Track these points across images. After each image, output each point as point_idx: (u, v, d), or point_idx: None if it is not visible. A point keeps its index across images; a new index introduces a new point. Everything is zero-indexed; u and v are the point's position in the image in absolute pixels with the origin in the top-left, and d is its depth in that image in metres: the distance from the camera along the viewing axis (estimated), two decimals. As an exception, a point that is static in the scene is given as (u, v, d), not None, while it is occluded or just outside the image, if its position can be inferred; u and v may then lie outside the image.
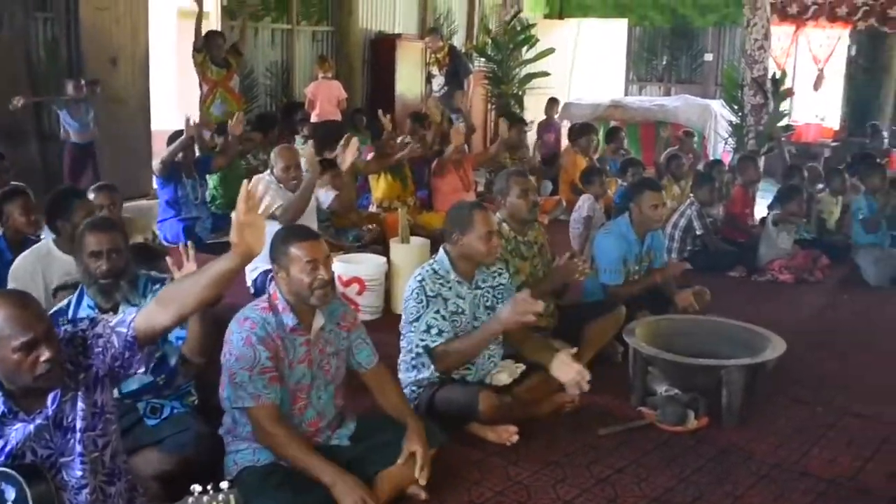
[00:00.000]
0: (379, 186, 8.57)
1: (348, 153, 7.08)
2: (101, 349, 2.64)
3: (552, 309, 5.15)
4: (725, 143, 12.17)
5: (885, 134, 12.29)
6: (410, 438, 3.53)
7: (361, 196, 8.80)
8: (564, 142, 11.88)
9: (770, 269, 7.71)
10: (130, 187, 8.81)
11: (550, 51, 13.82)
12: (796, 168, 9.22)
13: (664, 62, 16.00)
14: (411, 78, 13.17)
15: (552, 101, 13.08)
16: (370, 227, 7.65)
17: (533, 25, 14.08)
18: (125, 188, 7.53)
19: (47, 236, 4.72)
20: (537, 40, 13.77)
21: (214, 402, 3.53)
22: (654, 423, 4.42)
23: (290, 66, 12.19)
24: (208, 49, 9.57)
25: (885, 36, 13.51)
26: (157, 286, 3.63)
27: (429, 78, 12.92)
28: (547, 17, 16.09)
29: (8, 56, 8.63)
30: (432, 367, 4.11)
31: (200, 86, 9.71)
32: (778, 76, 11.55)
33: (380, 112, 8.85)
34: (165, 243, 7.38)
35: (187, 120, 7.60)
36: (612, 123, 12.63)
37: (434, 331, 4.06)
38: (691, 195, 8.11)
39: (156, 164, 7.91)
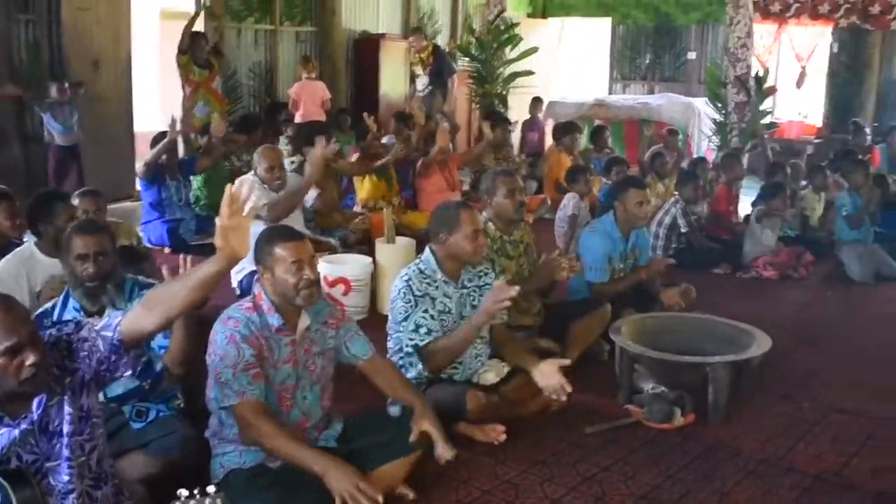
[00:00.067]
0: (364, 187, 8.56)
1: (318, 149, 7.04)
2: (86, 353, 2.63)
3: (538, 307, 5.16)
4: (709, 141, 12.21)
5: (868, 130, 12.34)
6: (420, 419, 3.53)
7: (346, 196, 8.79)
8: (549, 141, 11.87)
9: (754, 265, 7.74)
10: (114, 189, 8.78)
11: (534, 50, 13.84)
12: (779, 165, 9.25)
13: (647, 60, 16.05)
14: (395, 78, 13.16)
15: (536, 101, 13.09)
16: (360, 218, 7.60)
17: (516, 24, 14.07)
18: (108, 190, 7.51)
19: (30, 239, 4.70)
20: (521, 39, 13.78)
21: (201, 405, 3.52)
22: (641, 420, 4.43)
23: (274, 67, 12.15)
24: (192, 50, 9.54)
25: (866, 33, 13.59)
26: (144, 291, 3.61)
27: (413, 78, 12.91)
28: (530, 16, 16.08)
29: (-11, 58, 8.60)
30: (420, 366, 4.11)
31: (183, 87, 9.68)
32: (761, 74, 11.59)
33: (364, 114, 8.84)
34: (150, 245, 7.37)
35: (172, 121, 7.58)
36: (597, 122, 12.65)
37: (423, 330, 4.07)
38: (676, 193, 8.14)
39: (139, 166, 7.88)
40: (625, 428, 4.38)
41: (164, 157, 7.56)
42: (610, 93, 15.89)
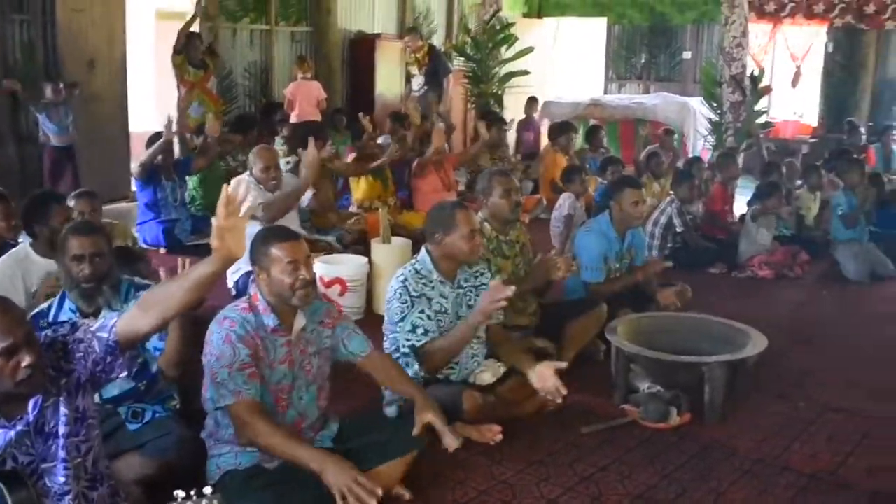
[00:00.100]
0: (359, 187, 8.56)
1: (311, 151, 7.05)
2: (82, 354, 2.62)
3: (534, 307, 5.16)
4: (704, 141, 12.23)
5: (863, 130, 12.37)
6: (422, 411, 3.55)
7: (342, 197, 8.78)
8: (544, 141, 11.88)
9: (750, 265, 7.75)
10: (109, 189, 8.76)
11: (529, 50, 13.83)
12: (775, 165, 9.26)
13: (643, 60, 16.05)
14: (391, 78, 13.15)
15: (531, 100, 13.09)
16: (355, 219, 7.58)
17: (512, 24, 14.07)
18: (104, 190, 7.49)
19: (25, 240, 4.69)
20: (516, 39, 13.77)
21: (197, 406, 3.52)
22: (637, 420, 4.43)
23: (269, 67, 12.13)
24: (187, 51, 9.53)
25: (861, 33, 13.60)
26: (141, 292, 3.61)
27: (408, 78, 12.91)
28: (526, 15, 16.07)
29: (-17, 59, 8.58)
30: (416, 366, 4.11)
31: (178, 87, 9.67)
32: (756, 73, 11.62)
33: (360, 115, 8.83)
34: (145, 246, 7.37)
35: (167, 122, 7.57)
36: (592, 122, 12.65)
37: (420, 330, 4.07)
38: (671, 192, 8.14)
39: (135, 166, 7.86)
40: (621, 428, 4.39)
41: (159, 157, 7.56)
42: (605, 92, 15.90)
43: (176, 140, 7.93)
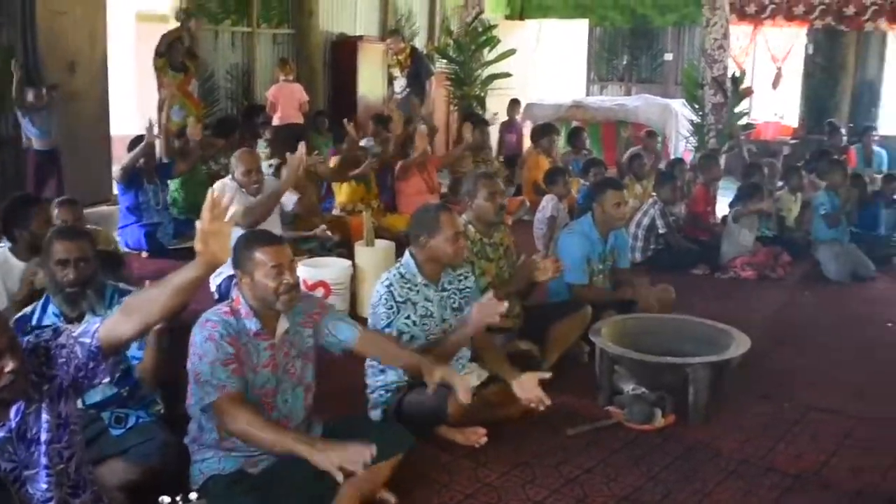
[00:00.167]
0: (342, 190, 8.55)
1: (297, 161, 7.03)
2: (64, 360, 2.60)
3: (518, 310, 5.16)
4: (686, 142, 12.26)
5: (843, 131, 12.45)
6: (430, 372, 3.60)
7: (325, 200, 8.76)
8: (527, 143, 11.90)
9: (732, 266, 7.78)
10: (90, 193, 8.71)
11: (512, 52, 13.85)
12: (756, 166, 9.30)
13: (625, 62, 16.11)
14: (373, 80, 13.14)
15: (514, 102, 13.11)
16: (321, 228, 7.53)
17: (494, 26, 14.09)
18: (85, 194, 7.47)
19: (3, 245, 4.66)
20: (499, 41, 13.80)
21: (181, 411, 3.50)
22: (622, 422, 4.44)
23: (251, 69, 12.09)
24: (169, 53, 9.49)
25: (841, 34, 13.69)
26: (125, 298, 3.59)
27: (391, 80, 12.89)
28: (508, 18, 16.10)
29: (-38, 62, 8.49)
30: (400, 369, 4.10)
31: (159, 91, 9.62)
32: (737, 75, 11.66)
33: (345, 121, 8.80)
34: (127, 249, 7.33)
35: (149, 125, 7.53)
36: (574, 124, 12.66)
37: (406, 336, 4.06)
38: (654, 194, 8.16)
39: (116, 170, 7.81)
40: (606, 429, 4.39)
41: (141, 160, 7.52)
42: (587, 94, 15.95)
43: (158, 143, 7.88)
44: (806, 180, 9.06)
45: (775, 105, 14.72)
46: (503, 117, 12.77)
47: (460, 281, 4.34)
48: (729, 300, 7.02)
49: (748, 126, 12.27)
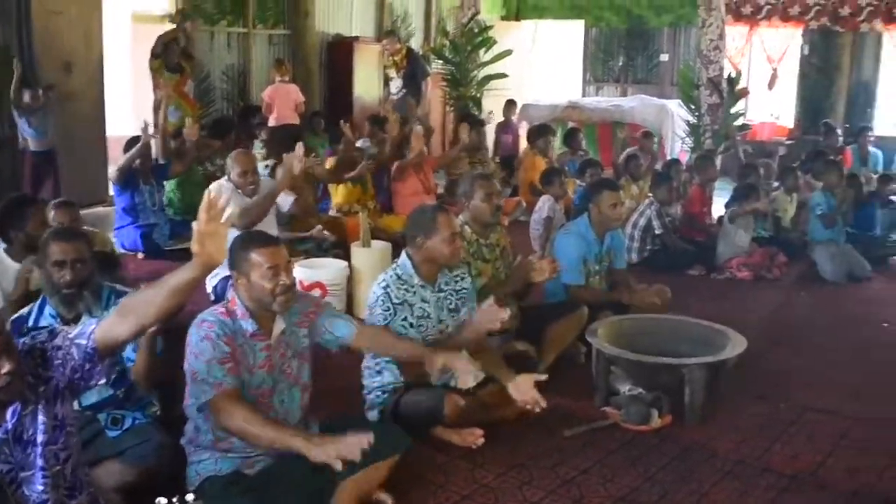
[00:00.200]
0: (339, 191, 8.54)
1: (296, 160, 7.03)
2: (60, 361, 2.59)
3: (515, 310, 5.15)
4: (682, 143, 12.28)
5: (839, 131, 12.47)
6: (432, 359, 3.66)
7: (322, 201, 8.75)
8: (523, 143, 11.90)
9: (728, 267, 7.78)
10: (86, 194, 8.69)
11: (508, 52, 13.86)
12: (752, 167, 9.31)
13: (620, 63, 16.11)
14: (369, 81, 13.13)
15: (510, 103, 13.09)
16: (317, 229, 7.52)
17: (490, 27, 14.10)
18: (81, 195, 7.45)
19: (-1, 245, 4.65)
20: (495, 42, 13.80)
21: (177, 413, 3.49)
22: (619, 422, 4.44)
23: (247, 70, 12.08)
24: (165, 55, 9.49)
25: (836, 35, 13.71)
26: (121, 299, 3.59)
27: (387, 81, 12.89)
28: (504, 18, 16.12)
29: (-43, 62, 8.48)
30: (397, 372, 4.10)
31: (154, 91, 9.61)
32: (733, 76, 11.68)
33: (342, 122, 8.80)
34: (123, 250, 7.32)
35: (144, 126, 7.52)
36: (570, 124, 12.67)
37: (402, 338, 4.07)
38: (650, 195, 8.17)
39: (112, 171, 7.80)
40: (602, 430, 4.39)
41: (137, 161, 7.51)
42: (583, 95, 15.92)
43: (154, 144, 7.87)
44: (802, 181, 9.06)
45: (771, 106, 14.75)
46: (499, 116, 12.78)
47: (457, 282, 4.34)
48: (725, 301, 7.02)
49: (744, 127, 12.29)
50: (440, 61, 13.84)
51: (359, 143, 9.28)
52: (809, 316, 6.78)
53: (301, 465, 3.32)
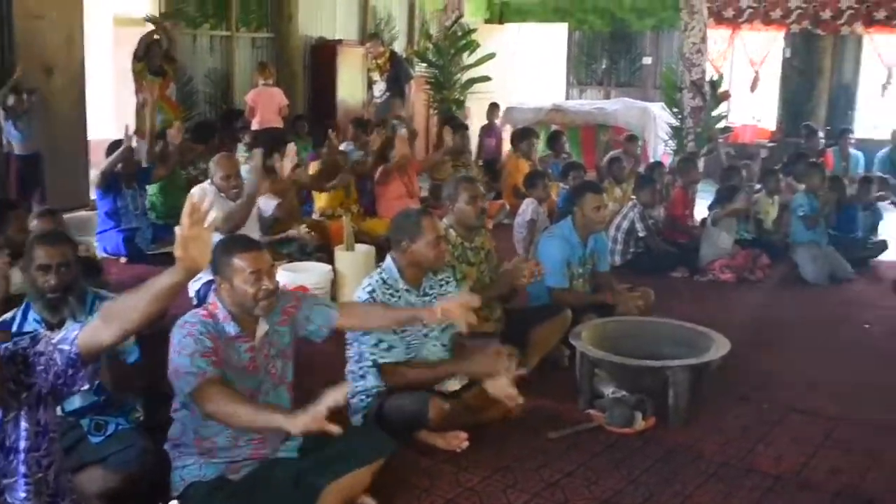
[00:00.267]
0: (321, 195, 8.52)
1: (287, 161, 7.04)
2: (43, 367, 2.58)
3: (499, 314, 5.16)
4: (665, 146, 12.32)
5: (821, 134, 12.54)
6: (432, 315, 3.70)
7: (304, 205, 8.73)
8: (506, 146, 11.92)
9: (711, 269, 7.81)
10: (68, 198, 8.65)
11: (491, 55, 13.86)
12: (734, 169, 9.35)
13: (604, 66, 16.15)
14: (353, 84, 13.11)
15: (493, 106, 13.12)
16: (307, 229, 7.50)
17: (474, 30, 14.10)
18: (63, 199, 7.42)
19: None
20: (478, 45, 13.80)
21: (161, 419, 3.48)
22: (603, 425, 4.45)
23: (230, 74, 12.04)
24: (147, 58, 9.45)
25: (818, 38, 13.80)
26: (104, 304, 3.57)
27: (370, 84, 12.88)
28: (487, 21, 16.13)
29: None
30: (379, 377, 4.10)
31: (137, 95, 9.57)
32: (715, 79, 11.73)
33: (329, 132, 8.78)
34: (105, 255, 7.28)
35: (126, 130, 7.49)
36: (554, 127, 12.69)
37: (384, 345, 4.07)
38: (633, 197, 8.19)
39: (94, 175, 7.76)
40: (586, 433, 4.40)
41: (119, 165, 7.47)
42: (566, 98, 15.96)
43: (138, 146, 7.83)
44: (783, 183, 9.11)
45: (753, 108, 14.81)
46: (482, 120, 12.78)
47: (441, 286, 4.34)
48: (708, 302, 7.05)
49: (726, 129, 12.36)
50: (424, 64, 13.83)
51: (342, 146, 9.26)
52: (791, 317, 6.81)
53: (285, 470, 3.32)
